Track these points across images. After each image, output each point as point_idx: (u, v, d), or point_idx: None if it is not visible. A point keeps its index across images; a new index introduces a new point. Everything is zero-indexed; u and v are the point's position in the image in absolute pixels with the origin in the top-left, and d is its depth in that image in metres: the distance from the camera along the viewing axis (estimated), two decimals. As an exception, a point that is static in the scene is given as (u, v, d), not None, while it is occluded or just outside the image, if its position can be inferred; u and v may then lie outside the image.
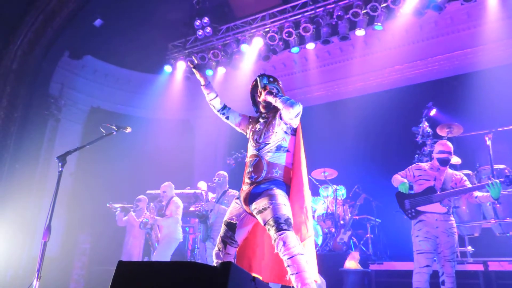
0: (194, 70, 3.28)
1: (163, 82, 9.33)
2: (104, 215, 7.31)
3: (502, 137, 5.36)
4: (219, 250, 2.94)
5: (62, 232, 8.55)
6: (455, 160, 5.44)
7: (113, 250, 6.95)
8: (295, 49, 7.66)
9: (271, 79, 3.18)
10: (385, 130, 7.67)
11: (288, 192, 2.89)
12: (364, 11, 6.72)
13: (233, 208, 3.01)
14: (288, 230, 2.62)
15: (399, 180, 4.19)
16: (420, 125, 5.79)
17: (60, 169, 3.66)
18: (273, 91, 3.06)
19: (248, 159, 3.04)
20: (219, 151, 10.02)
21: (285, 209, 2.72)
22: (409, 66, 8.25)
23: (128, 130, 4.10)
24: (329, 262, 5.72)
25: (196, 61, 3.33)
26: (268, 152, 2.94)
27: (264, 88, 3.04)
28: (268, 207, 2.71)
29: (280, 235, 2.59)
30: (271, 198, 2.75)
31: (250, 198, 2.86)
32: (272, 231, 2.64)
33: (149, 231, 6.11)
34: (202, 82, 3.28)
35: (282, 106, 2.89)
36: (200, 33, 8.16)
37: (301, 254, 2.57)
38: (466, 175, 4.56)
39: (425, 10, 6.48)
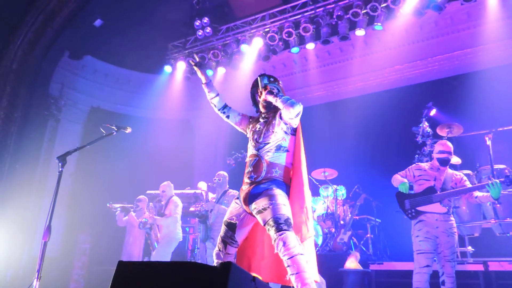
0: (195, 68, 3.29)
1: (163, 82, 9.32)
2: (104, 215, 7.31)
3: (502, 137, 5.36)
4: (219, 250, 2.93)
5: (62, 232, 8.55)
6: (455, 160, 5.44)
7: (113, 250, 6.95)
8: (295, 49, 7.66)
9: (271, 79, 3.18)
10: (385, 130, 7.67)
11: (288, 192, 2.89)
12: (364, 11, 6.72)
13: (233, 208, 3.01)
14: (288, 230, 2.62)
15: (399, 180, 4.19)
16: (420, 125, 5.79)
17: (60, 169, 3.66)
18: (273, 90, 3.06)
19: (248, 159, 3.04)
20: (219, 151, 10.02)
21: (285, 209, 2.72)
22: (409, 66, 8.25)
23: (128, 130, 4.10)
24: (329, 262, 5.72)
25: (197, 59, 3.34)
26: (268, 152, 2.94)
27: (265, 87, 3.04)
28: (268, 207, 2.71)
29: (280, 235, 2.59)
30: (271, 198, 2.74)
31: (249, 198, 2.85)
32: (272, 231, 2.64)
33: (149, 231, 6.11)
34: (203, 80, 3.28)
35: (282, 106, 2.88)
36: (200, 33, 8.16)
37: (301, 254, 2.57)
38: (466, 175, 4.56)
39: (425, 10, 6.48)
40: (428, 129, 5.73)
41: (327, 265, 5.48)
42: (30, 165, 8.07)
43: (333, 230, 6.73)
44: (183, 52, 8.65)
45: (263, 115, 3.16)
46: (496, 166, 5.13)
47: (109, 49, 9.01)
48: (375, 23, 6.77)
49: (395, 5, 6.48)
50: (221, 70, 8.53)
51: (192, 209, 6.60)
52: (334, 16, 7.03)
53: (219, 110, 3.30)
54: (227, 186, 5.93)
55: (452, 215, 4.08)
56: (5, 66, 7.69)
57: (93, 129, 5.36)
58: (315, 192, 7.26)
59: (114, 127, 4.03)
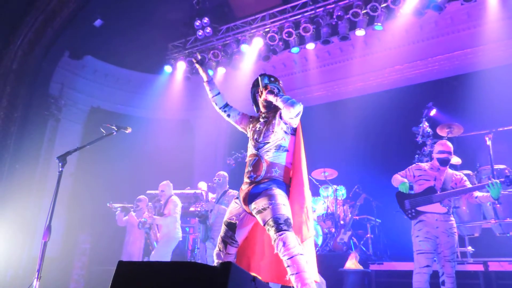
0: (197, 66, 3.31)
1: (163, 82, 9.33)
2: (104, 215, 7.31)
3: (502, 137, 5.36)
4: (219, 250, 2.93)
5: (62, 232, 8.55)
6: (455, 160, 5.44)
7: (113, 250, 6.96)
8: (295, 49, 7.66)
9: (272, 79, 3.18)
10: (385, 130, 7.67)
11: (287, 191, 2.89)
12: (364, 11, 6.72)
13: (232, 208, 3.01)
14: (287, 230, 2.62)
15: (399, 180, 4.18)
16: (420, 125, 5.79)
17: (60, 169, 3.66)
18: (274, 90, 3.07)
19: (248, 159, 3.04)
20: (219, 151, 10.02)
21: (285, 209, 2.71)
22: (409, 66, 8.25)
23: (128, 130, 4.11)
24: (329, 262, 5.71)
25: (199, 57, 3.35)
26: (268, 151, 2.94)
27: (265, 87, 3.04)
28: (268, 207, 2.71)
29: (280, 235, 2.59)
30: (271, 198, 2.74)
31: (249, 198, 2.85)
32: (271, 232, 2.64)
33: (148, 231, 6.11)
34: (205, 78, 3.29)
35: (282, 106, 2.88)
36: (200, 33, 8.16)
37: (301, 254, 2.57)
38: (466, 175, 4.56)
39: (425, 10, 6.48)
40: (428, 129, 5.73)
41: (327, 265, 5.47)
42: (30, 165, 8.07)
43: (333, 230, 6.72)
44: (183, 52, 8.65)
45: (263, 115, 3.16)
46: (496, 166, 5.13)
47: (109, 49, 9.01)
48: (375, 23, 6.77)
49: (395, 5, 6.48)
50: (221, 70, 8.53)
51: (192, 209, 6.61)
52: (334, 16, 7.03)
53: (220, 108, 3.30)
54: (227, 186, 5.93)
55: (452, 215, 4.07)
56: (5, 66, 7.70)
57: (93, 129, 5.36)
58: (315, 192, 7.26)
59: (114, 127, 4.04)
